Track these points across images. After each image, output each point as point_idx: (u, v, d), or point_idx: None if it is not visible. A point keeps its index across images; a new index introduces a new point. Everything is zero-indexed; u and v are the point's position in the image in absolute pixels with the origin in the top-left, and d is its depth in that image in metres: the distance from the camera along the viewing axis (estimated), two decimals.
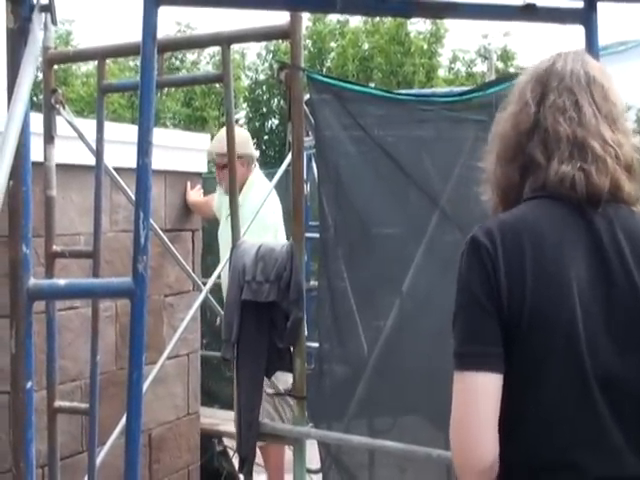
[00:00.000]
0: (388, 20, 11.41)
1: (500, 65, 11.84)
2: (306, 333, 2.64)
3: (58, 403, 2.64)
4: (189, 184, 4.17)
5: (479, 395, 1.21)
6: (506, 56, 12.35)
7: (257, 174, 3.94)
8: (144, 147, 1.38)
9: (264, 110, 11.75)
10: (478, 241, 1.24)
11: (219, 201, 4.06)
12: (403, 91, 3.55)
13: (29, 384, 1.39)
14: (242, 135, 4.20)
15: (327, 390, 2.71)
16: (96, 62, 2.80)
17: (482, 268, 1.22)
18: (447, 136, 2.63)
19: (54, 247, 2.67)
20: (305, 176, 3.65)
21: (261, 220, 3.43)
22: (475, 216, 2.60)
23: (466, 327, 1.24)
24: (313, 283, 3.97)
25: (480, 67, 12.44)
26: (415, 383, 2.58)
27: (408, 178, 2.60)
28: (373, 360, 2.61)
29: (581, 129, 1.27)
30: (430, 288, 2.59)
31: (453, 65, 12.67)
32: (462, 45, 12.90)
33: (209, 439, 4.33)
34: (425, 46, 11.61)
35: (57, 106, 2.80)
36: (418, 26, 11.77)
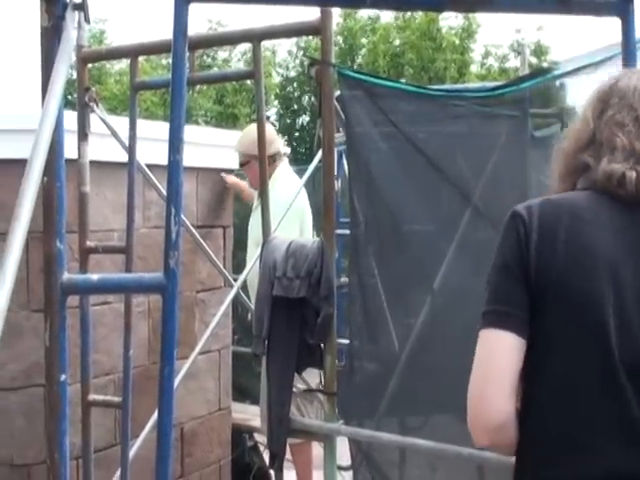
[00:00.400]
0: (419, 15, 11.34)
1: (533, 60, 11.69)
2: (336, 329, 2.63)
3: (92, 396, 2.68)
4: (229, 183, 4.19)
5: (495, 352, 1.24)
6: (540, 51, 12.19)
7: (283, 169, 3.93)
8: (175, 144, 1.39)
9: (295, 107, 11.77)
10: (516, 211, 1.28)
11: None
12: (435, 87, 3.53)
13: (63, 377, 1.41)
14: (253, 139, 4.20)
15: (358, 387, 2.70)
16: (129, 60, 2.83)
17: (515, 236, 1.25)
18: (479, 132, 2.61)
19: (88, 243, 2.70)
20: (336, 172, 3.65)
21: (283, 213, 3.43)
22: (507, 211, 2.58)
23: (493, 289, 1.28)
24: (344, 280, 3.96)
25: (513, 62, 12.30)
26: (446, 381, 2.56)
27: (440, 174, 2.58)
28: (404, 357, 2.60)
29: (639, 142, 1.27)
30: (462, 286, 2.57)
31: (485, 60, 12.56)
32: (495, 40, 12.76)
33: (240, 434, 4.36)
34: (457, 41, 11.52)
35: (91, 104, 2.83)
36: (450, 21, 11.69)
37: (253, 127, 3.29)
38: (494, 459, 2.18)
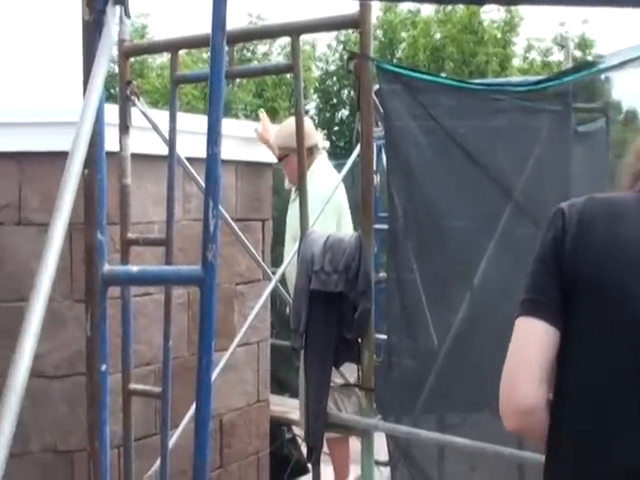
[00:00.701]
0: (461, 9, 11.20)
1: (578, 53, 11.49)
2: (374, 325, 2.62)
3: (133, 386, 2.71)
4: (263, 119, 4.14)
5: (526, 339, 1.27)
6: (584, 44, 11.97)
7: (321, 162, 3.93)
8: (214, 137, 1.39)
9: (334, 101, 11.76)
10: (559, 208, 1.33)
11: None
12: (475, 81, 3.48)
13: (104, 367, 1.42)
14: (308, 125, 4.20)
15: (396, 383, 2.69)
16: (170, 54, 2.85)
17: (554, 231, 1.29)
18: (521, 126, 2.57)
19: (129, 234, 2.73)
20: (375, 167, 3.62)
21: (320, 207, 3.43)
22: (550, 209, 2.54)
23: (530, 279, 1.33)
24: (383, 275, 3.95)
25: (557, 56, 12.11)
26: (486, 379, 2.52)
27: (480, 169, 2.55)
28: (443, 354, 2.58)
29: None
30: (502, 282, 2.53)
31: (528, 54, 12.38)
32: (538, 33, 12.56)
33: (279, 427, 4.38)
34: (499, 35, 11.37)
35: (132, 97, 2.86)
36: (492, 14, 11.54)
37: (291, 120, 3.29)
38: (534, 459, 2.15)
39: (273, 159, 4.30)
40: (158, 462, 2.72)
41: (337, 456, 3.79)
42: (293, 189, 3.96)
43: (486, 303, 2.59)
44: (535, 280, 1.32)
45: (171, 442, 2.78)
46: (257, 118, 4.38)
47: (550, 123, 2.50)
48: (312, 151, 3.83)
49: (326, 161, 4.00)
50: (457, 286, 2.70)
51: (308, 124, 4.06)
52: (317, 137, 4.04)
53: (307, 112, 11.45)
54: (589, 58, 11.32)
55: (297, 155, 2.76)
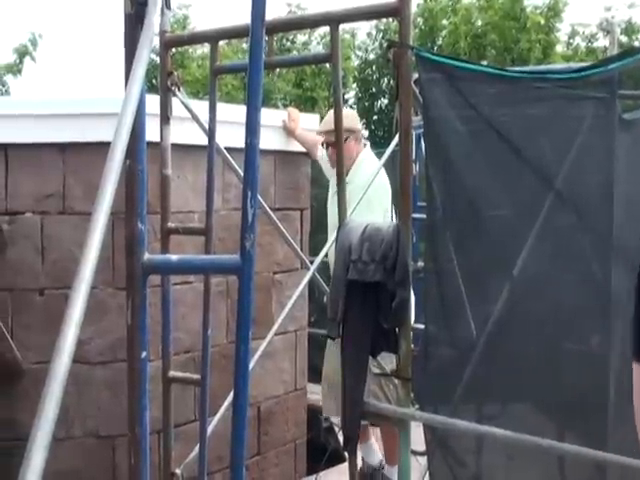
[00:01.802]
0: None
1: (624, 39, 11.20)
2: (413, 315, 2.62)
3: (172, 373, 2.75)
4: (289, 111, 4.15)
5: (635, 384, 1.39)
6: (631, 29, 11.66)
7: (368, 152, 3.96)
8: (252, 127, 1.40)
9: (373, 90, 11.69)
10: None
11: (326, 167, 4.09)
12: (517, 68, 3.43)
13: (144, 354, 1.45)
14: (351, 112, 4.21)
15: (433, 373, 2.68)
16: (210, 45, 2.86)
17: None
18: (564, 115, 2.53)
19: (169, 224, 2.76)
20: (414, 156, 3.59)
21: (368, 199, 3.43)
22: (592, 199, 2.50)
23: (633, 325, 1.43)
24: (420, 264, 3.93)
25: (602, 42, 11.82)
26: (525, 370, 2.52)
27: (521, 159, 2.52)
28: (482, 344, 2.57)
29: None
30: (542, 273, 2.51)
31: (572, 40, 12.12)
32: (582, 19, 12.29)
33: (316, 415, 4.40)
34: (542, 21, 11.15)
35: (173, 88, 2.88)
36: (534, 0, 11.32)
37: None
38: (574, 451, 2.13)
39: None
40: (197, 448, 2.76)
41: (390, 441, 3.81)
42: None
43: (526, 293, 2.57)
44: (634, 326, 1.42)
45: (209, 429, 2.81)
46: (296, 108, 4.39)
47: (594, 111, 2.45)
48: (360, 137, 3.87)
49: (370, 151, 4.02)
50: (496, 276, 2.68)
51: (353, 112, 4.11)
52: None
53: (346, 101, 11.41)
54: (636, 44, 11.05)
55: (337, 144, 2.76)
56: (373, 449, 4.06)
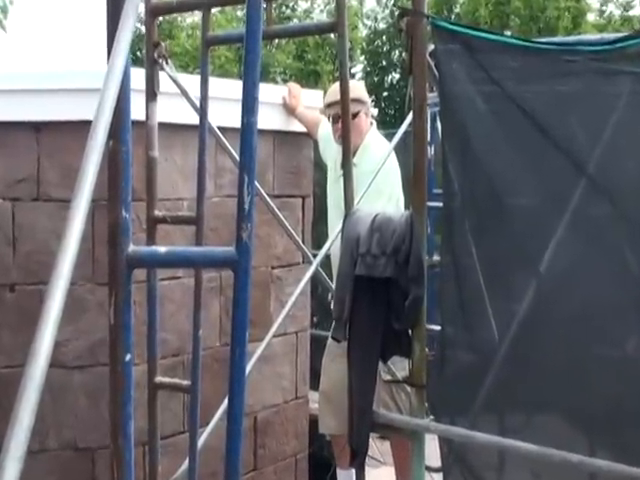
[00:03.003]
0: None
1: None
2: (426, 314, 2.62)
3: (159, 378, 2.75)
4: (290, 86, 4.16)
5: None
6: None
7: (375, 134, 3.97)
8: (249, 104, 1.40)
9: (383, 63, 11.68)
10: None
11: (326, 146, 4.07)
12: (544, 39, 3.42)
13: (128, 357, 1.45)
14: (358, 83, 4.21)
15: (450, 379, 2.69)
16: (201, 13, 2.86)
17: None
18: (596, 91, 2.52)
19: (156, 212, 2.75)
20: (429, 137, 3.59)
21: (377, 186, 3.42)
22: (629, 184, 2.49)
23: None
24: (436, 258, 3.92)
25: (638, 10, 11.79)
26: (553, 376, 2.52)
27: (549, 140, 2.51)
28: (505, 348, 2.57)
29: None
30: (573, 268, 2.51)
31: (605, 8, 12.10)
32: None
33: (318, 426, 4.41)
34: None
35: (160, 61, 2.88)
36: None
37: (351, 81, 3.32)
38: (607, 467, 2.13)
39: None
40: (186, 463, 2.77)
41: (401, 456, 3.81)
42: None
43: (554, 291, 2.57)
44: None
45: (200, 441, 2.82)
46: (297, 83, 4.39)
47: (631, 87, 2.44)
48: (369, 113, 3.88)
49: (378, 133, 4.02)
50: (521, 272, 2.68)
51: (362, 85, 4.10)
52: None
53: (353, 76, 11.39)
54: None
55: (342, 124, 2.76)
56: None
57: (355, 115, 3.77)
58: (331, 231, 3.41)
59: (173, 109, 3.18)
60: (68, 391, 3.37)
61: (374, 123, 4.03)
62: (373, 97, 10.83)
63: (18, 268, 3.36)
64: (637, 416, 2.38)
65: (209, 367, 3.51)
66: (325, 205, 4.11)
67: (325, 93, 4.33)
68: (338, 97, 3.57)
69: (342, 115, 2.74)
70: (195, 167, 2.78)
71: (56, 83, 3.34)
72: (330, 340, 3.58)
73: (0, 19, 9.73)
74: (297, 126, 4.13)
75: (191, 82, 2.99)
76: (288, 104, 4.05)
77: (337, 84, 3.94)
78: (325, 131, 4.05)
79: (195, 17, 11.18)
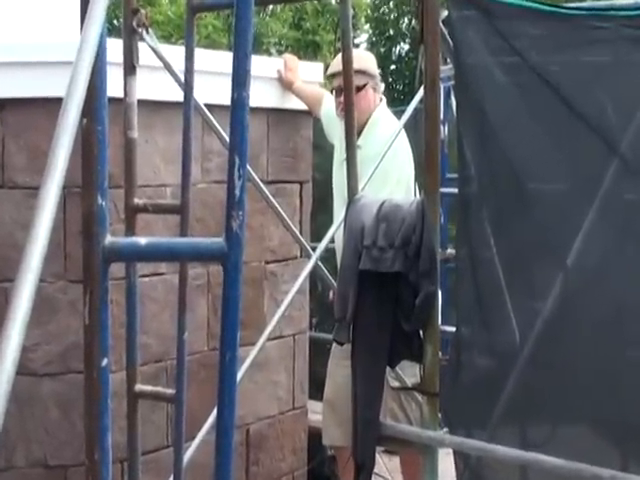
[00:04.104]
0: None
1: None
2: (440, 314, 2.62)
3: (139, 387, 2.75)
4: (285, 58, 4.16)
5: None
6: None
7: (383, 110, 3.95)
8: (241, 78, 1.40)
9: (391, 32, 11.66)
10: None
11: (330, 124, 4.05)
12: (572, 4, 3.41)
13: (104, 362, 1.45)
14: (366, 53, 4.21)
15: (466, 387, 2.70)
16: None
17: None
18: (630, 61, 2.53)
19: (135, 200, 2.75)
20: (442, 115, 3.60)
21: (384, 169, 3.43)
22: None
23: None
24: (450, 251, 3.93)
25: None
26: (581, 383, 2.53)
27: (576, 116, 2.52)
28: (527, 351, 2.58)
29: None
30: (604, 260, 2.52)
31: None
32: None
33: (319, 440, 4.43)
34: None
35: (139, 30, 2.88)
36: None
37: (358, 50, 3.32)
38: None
39: None
40: None
41: (411, 473, 3.82)
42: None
43: (583, 287, 2.58)
44: None
45: (186, 457, 2.83)
46: (294, 54, 4.38)
47: None
48: (378, 87, 3.86)
49: (387, 111, 4.01)
50: (546, 265, 2.69)
51: (370, 57, 4.08)
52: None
53: (357, 47, 11.38)
54: None
55: (345, 99, 2.76)
56: None
57: (360, 88, 3.76)
58: (336, 221, 3.41)
59: (154, 84, 3.18)
60: (37, 401, 3.38)
61: (384, 99, 4.02)
62: (379, 71, 10.82)
63: None
64: None
65: (196, 374, 3.52)
66: (327, 192, 4.11)
67: (326, 66, 4.33)
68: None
69: (345, 89, 2.75)
70: (179, 149, 2.77)
71: (22, 55, 3.34)
72: (334, 343, 3.59)
73: None
74: (294, 103, 4.13)
75: (174, 54, 2.99)
76: (284, 78, 4.05)
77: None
78: (328, 107, 4.04)
79: None
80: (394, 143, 3.49)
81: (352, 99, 2.73)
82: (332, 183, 4.03)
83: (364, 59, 3.92)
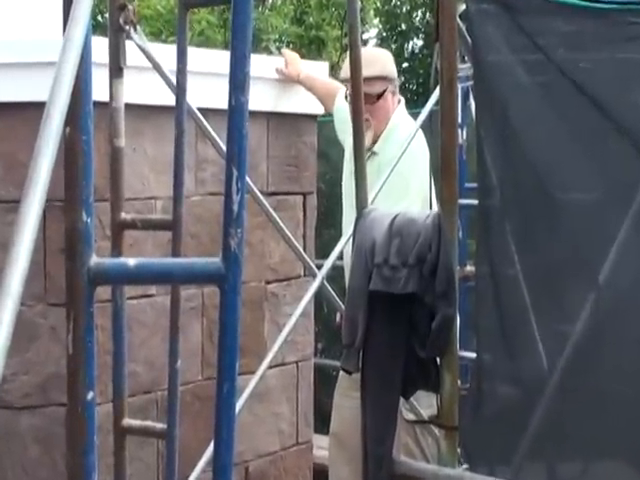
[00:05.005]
0: None
1: None
2: (459, 338, 2.62)
3: (127, 421, 2.76)
4: (285, 54, 4.19)
5: None
6: None
7: (402, 115, 3.94)
8: (239, 80, 1.41)
9: (403, 27, 11.67)
10: None
11: (343, 123, 3.95)
12: None
13: (90, 394, 1.46)
14: (385, 53, 4.20)
15: (488, 419, 2.69)
16: None
17: None
18: None
19: (123, 215, 2.77)
20: (459, 119, 3.61)
21: (404, 177, 3.43)
22: None
23: None
24: (470, 269, 3.94)
25: None
26: (617, 413, 2.53)
27: (609, 121, 2.53)
28: (556, 379, 2.58)
29: None
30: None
31: None
32: None
33: (325, 478, 4.42)
34: None
35: (127, 27, 2.89)
36: None
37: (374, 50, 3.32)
38: None
39: (318, 110, 4.30)
40: None
41: None
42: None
43: (617, 307, 2.58)
44: None
45: None
46: (297, 52, 4.40)
47: None
48: (396, 91, 3.83)
49: (405, 112, 4.00)
50: (576, 284, 2.69)
51: (387, 57, 4.05)
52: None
53: (365, 43, 11.41)
54: None
55: (352, 104, 2.77)
56: None
57: (380, 96, 3.76)
58: (344, 235, 3.41)
59: (143, 87, 3.20)
60: (14, 437, 3.38)
61: (402, 101, 3.99)
62: None
63: None
64: None
65: (189, 406, 3.52)
66: (333, 204, 4.11)
67: (331, 66, 4.34)
68: (363, 71, 3.58)
69: (353, 93, 2.75)
70: (170, 158, 2.79)
71: None
72: (342, 372, 3.59)
73: None
74: (297, 106, 4.14)
75: (165, 53, 3.01)
76: (286, 73, 4.03)
77: (364, 51, 3.92)
78: (342, 104, 3.96)
79: None
80: (414, 149, 3.48)
81: (361, 106, 2.73)
82: (339, 193, 4.03)
83: (382, 61, 3.89)
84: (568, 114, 2.62)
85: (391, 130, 3.80)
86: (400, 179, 3.37)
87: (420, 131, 3.65)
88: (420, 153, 3.68)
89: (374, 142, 3.74)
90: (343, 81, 3.93)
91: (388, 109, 3.82)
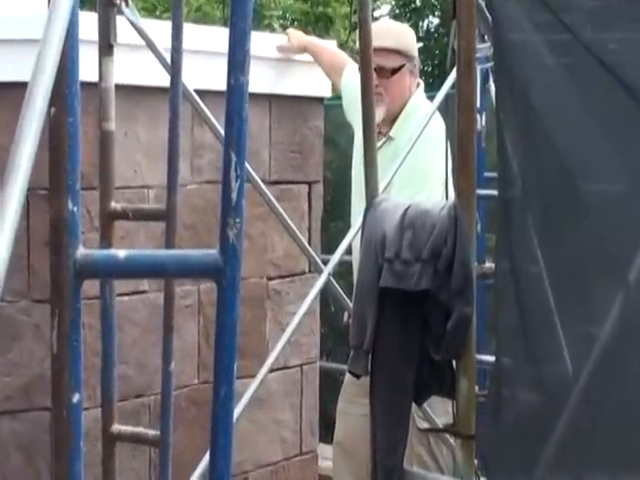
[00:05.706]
0: None
1: None
2: (476, 340, 2.62)
3: (117, 427, 2.76)
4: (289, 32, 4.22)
5: None
6: None
7: (421, 96, 3.93)
8: (239, 59, 1.41)
9: (417, 3, 11.68)
10: None
11: (352, 101, 3.88)
12: None
13: (76, 397, 1.46)
14: (405, 28, 4.18)
15: (508, 427, 2.69)
16: None
17: None
18: None
19: (112, 204, 2.77)
20: (478, 103, 3.60)
21: (420, 166, 3.42)
22: None
23: None
24: (489, 265, 3.93)
25: None
26: None
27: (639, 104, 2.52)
28: (581, 384, 2.58)
29: None
30: None
31: None
32: None
33: None
34: None
35: (118, 1, 2.89)
36: None
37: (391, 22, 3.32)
38: None
39: (325, 92, 4.29)
40: None
41: None
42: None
43: None
44: None
45: None
46: (302, 30, 4.39)
47: None
48: (416, 71, 3.82)
49: (423, 94, 3.98)
50: (603, 282, 2.68)
51: (409, 32, 4.05)
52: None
53: (376, 20, 11.43)
54: None
55: (363, 85, 2.76)
56: None
57: (395, 71, 3.74)
58: (353, 228, 3.40)
59: (135, 66, 3.20)
60: None
61: (421, 84, 3.98)
62: None
63: None
64: None
65: (184, 412, 3.52)
66: (341, 194, 4.11)
67: (340, 44, 4.34)
68: (380, 43, 3.43)
69: (361, 69, 2.75)
70: (164, 144, 2.79)
71: None
72: (348, 376, 3.58)
73: None
74: (301, 88, 4.14)
75: (159, 30, 3.00)
76: (289, 47, 4.03)
77: (380, 25, 3.91)
78: (351, 78, 3.85)
79: None
80: (436, 134, 3.46)
81: (371, 86, 2.73)
82: (348, 182, 4.02)
83: (401, 35, 3.89)
84: (596, 98, 2.62)
85: (409, 113, 3.78)
86: (419, 168, 3.35)
87: (439, 116, 3.64)
88: (442, 139, 3.65)
89: (390, 126, 3.72)
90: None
91: (405, 88, 3.80)
